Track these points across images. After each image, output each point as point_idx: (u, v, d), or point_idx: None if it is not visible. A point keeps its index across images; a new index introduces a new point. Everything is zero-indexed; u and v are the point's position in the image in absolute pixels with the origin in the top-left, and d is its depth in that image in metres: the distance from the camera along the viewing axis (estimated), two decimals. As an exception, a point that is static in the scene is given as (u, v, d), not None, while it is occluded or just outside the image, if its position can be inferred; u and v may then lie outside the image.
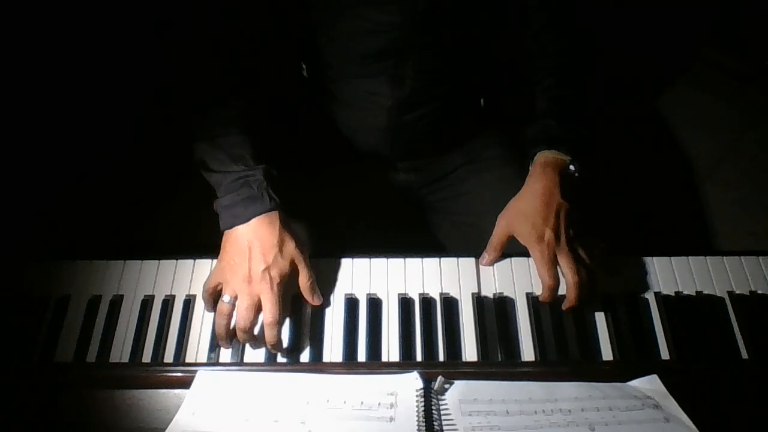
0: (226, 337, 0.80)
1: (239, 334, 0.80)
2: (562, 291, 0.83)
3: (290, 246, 0.82)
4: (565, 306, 0.83)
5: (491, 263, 0.88)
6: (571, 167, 0.89)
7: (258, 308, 0.80)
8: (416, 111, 1.01)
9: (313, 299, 0.84)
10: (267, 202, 0.83)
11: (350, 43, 0.94)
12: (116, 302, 0.84)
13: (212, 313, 0.83)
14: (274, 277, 0.80)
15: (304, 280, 0.83)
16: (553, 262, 0.83)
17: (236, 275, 0.80)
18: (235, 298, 0.80)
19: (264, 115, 0.93)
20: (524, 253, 0.86)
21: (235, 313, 0.80)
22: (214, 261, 0.87)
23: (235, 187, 0.84)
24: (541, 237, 0.83)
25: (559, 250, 0.83)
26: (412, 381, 0.72)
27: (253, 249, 0.81)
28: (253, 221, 0.82)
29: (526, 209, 0.87)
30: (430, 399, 0.69)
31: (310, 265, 0.84)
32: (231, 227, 0.83)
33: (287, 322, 0.83)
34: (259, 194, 0.83)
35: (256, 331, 0.81)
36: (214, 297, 0.83)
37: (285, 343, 0.81)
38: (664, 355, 0.81)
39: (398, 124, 1.01)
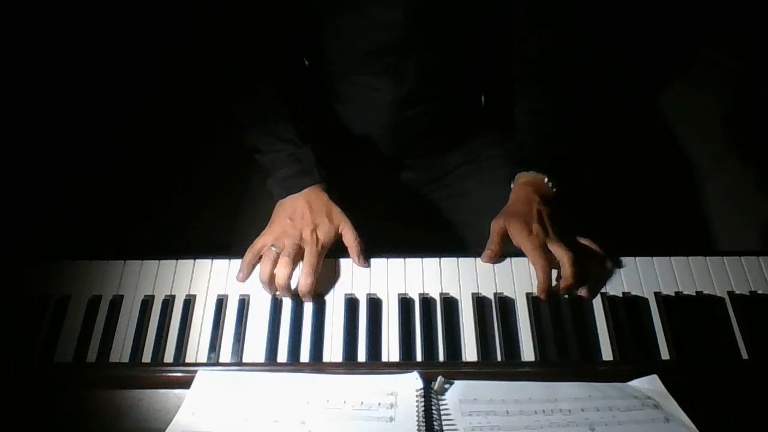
0: (268, 282, 0.83)
1: (278, 270, 0.83)
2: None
3: (337, 213, 0.89)
4: (561, 285, 0.83)
5: (492, 257, 0.88)
6: (549, 183, 0.94)
7: (297, 260, 0.84)
8: (417, 108, 1.01)
9: (359, 259, 0.87)
10: (317, 176, 0.92)
11: (352, 40, 0.94)
12: (116, 302, 0.84)
13: (212, 313, 0.83)
14: (320, 237, 0.86)
15: (350, 239, 0.88)
16: (544, 248, 0.85)
17: (286, 233, 0.87)
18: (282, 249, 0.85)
19: (299, 102, 0.99)
20: (524, 253, 0.86)
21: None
22: (214, 261, 0.88)
23: (288, 162, 0.92)
24: (530, 230, 0.87)
25: (549, 239, 0.86)
26: (412, 381, 0.72)
27: (304, 213, 0.88)
28: (305, 191, 0.91)
29: (515, 211, 0.91)
30: (430, 399, 0.69)
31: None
32: (284, 197, 0.91)
33: (287, 322, 0.83)
34: (309, 168, 0.92)
35: (293, 285, 0.84)
36: (256, 259, 0.86)
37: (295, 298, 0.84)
38: (664, 355, 0.81)
39: (399, 120, 1.02)
